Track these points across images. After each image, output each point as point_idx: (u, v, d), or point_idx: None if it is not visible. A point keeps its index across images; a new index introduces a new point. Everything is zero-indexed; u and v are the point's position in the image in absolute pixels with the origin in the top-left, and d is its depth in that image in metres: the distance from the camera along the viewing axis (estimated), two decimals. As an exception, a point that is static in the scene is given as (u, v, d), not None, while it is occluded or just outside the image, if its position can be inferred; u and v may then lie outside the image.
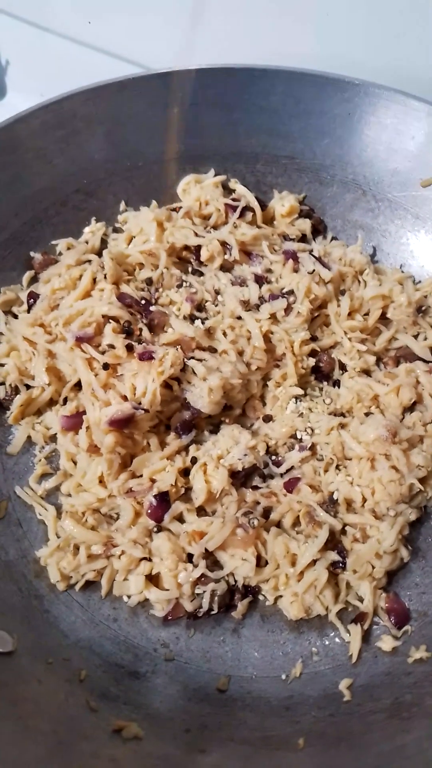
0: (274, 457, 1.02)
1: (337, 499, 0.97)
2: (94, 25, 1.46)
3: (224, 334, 1.06)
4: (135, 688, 0.84)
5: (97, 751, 0.74)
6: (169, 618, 0.91)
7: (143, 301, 1.07)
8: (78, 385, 1.02)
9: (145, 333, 1.03)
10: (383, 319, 1.13)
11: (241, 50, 1.28)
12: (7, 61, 1.68)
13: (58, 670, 0.82)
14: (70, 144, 1.13)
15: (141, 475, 0.98)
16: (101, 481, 0.97)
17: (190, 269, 1.15)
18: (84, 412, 1.00)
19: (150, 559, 0.94)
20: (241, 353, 1.05)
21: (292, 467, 1.00)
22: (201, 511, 0.97)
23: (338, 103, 1.16)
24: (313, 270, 1.10)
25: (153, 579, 0.93)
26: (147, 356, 0.98)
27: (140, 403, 0.97)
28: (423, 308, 1.13)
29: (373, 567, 0.92)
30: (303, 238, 1.21)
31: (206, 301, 1.10)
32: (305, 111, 1.17)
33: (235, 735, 0.80)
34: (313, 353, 1.09)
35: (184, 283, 1.11)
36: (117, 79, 1.12)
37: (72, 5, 1.46)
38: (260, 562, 0.93)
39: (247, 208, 1.17)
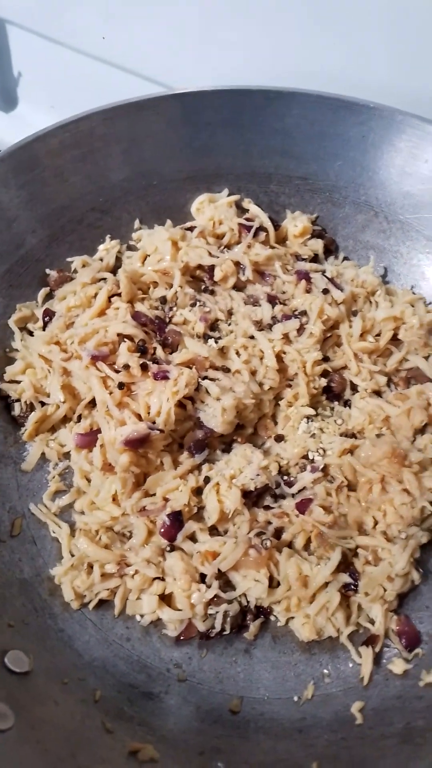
0: (285, 477, 1.03)
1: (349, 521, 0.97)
2: (108, 41, 1.47)
3: (237, 353, 1.07)
4: (149, 709, 0.84)
5: (114, 774, 0.75)
6: (182, 638, 0.91)
7: (157, 320, 1.08)
8: (92, 403, 1.03)
9: (159, 352, 1.04)
10: (394, 340, 1.14)
11: (257, 69, 1.30)
12: (20, 72, 1.70)
13: (73, 690, 0.82)
14: (87, 163, 1.14)
15: (154, 494, 0.98)
16: (115, 500, 0.97)
17: (203, 288, 1.16)
18: (98, 431, 1.00)
19: (163, 579, 0.94)
20: (253, 373, 1.06)
21: (304, 488, 1.01)
22: (213, 531, 0.98)
23: (352, 126, 1.17)
24: (327, 290, 1.11)
25: (166, 599, 0.93)
26: (162, 376, 0.99)
27: (154, 423, 0.97)
28: (434, 330, 1.14)
29: (385, 590, 0.93)
30: (315, 258, 1.22)
31: (219, 321, 1.11)
32: (319, 133, 1.19)
33: (250, 758, 0.80)
34: (324, 373, 1.10)
35: (198, 302, 1.12)
36: (134, 99, 1.14)
37: (86, 20, 1.47)
38: (272, 583, 0.93)
39: (260, 228, 1.18)
